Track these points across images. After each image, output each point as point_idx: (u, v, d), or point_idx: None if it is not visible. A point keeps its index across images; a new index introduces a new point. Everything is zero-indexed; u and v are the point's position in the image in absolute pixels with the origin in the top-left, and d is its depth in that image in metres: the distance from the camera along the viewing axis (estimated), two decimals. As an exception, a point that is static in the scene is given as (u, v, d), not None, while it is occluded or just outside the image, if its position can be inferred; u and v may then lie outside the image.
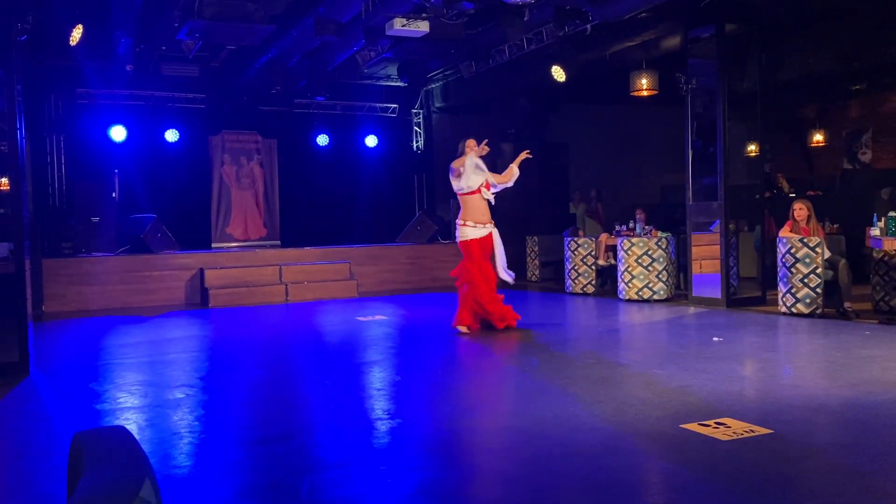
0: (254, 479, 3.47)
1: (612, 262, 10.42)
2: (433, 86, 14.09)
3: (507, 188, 7.62)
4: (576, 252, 10.68)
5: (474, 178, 7.26)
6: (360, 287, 11.47)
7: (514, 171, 7.57)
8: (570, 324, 8.69)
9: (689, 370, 5.41)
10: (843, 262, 7.80)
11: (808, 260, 7.69)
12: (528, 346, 6.63)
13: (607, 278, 10.74)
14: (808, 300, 7.73)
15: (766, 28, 9.45)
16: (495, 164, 13.39)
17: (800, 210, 7.98)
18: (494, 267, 7.44)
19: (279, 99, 12.79)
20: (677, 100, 9.55)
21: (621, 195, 14.11)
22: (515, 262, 13.17)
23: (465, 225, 7.33)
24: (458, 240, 7.43)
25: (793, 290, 7.82)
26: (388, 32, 8.92)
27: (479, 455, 3.89)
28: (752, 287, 9.41)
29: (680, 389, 4.82)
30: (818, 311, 7.69)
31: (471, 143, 7.31)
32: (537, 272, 12.73)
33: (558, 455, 3.62)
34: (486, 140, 7.33)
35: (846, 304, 7.68)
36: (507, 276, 7.51)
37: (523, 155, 7.53)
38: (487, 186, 7.41)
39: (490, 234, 7.39)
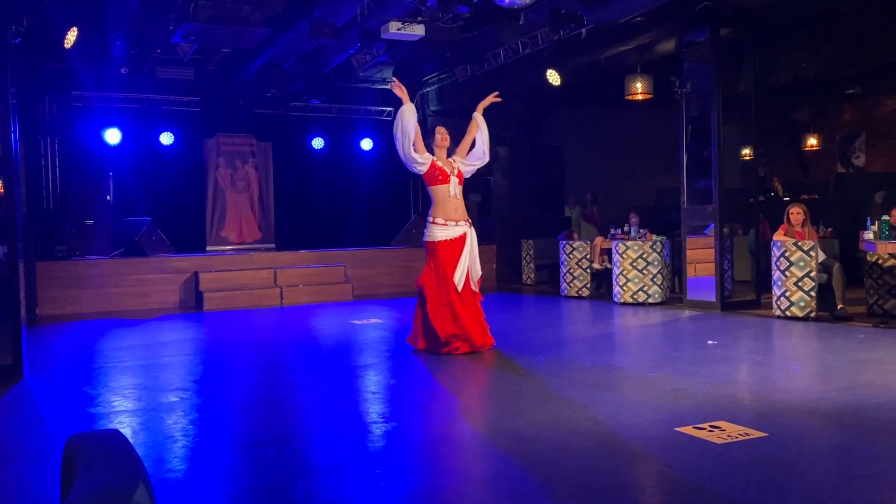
0: (248, 483, 3.46)
1: (607, 265, 10.43)
2: (428, 89, 14.09)
3: (482, 166, 6.85)
4: (571, 255, 10.69)
5: (423, 158, 6.42)
6: (355, 290, 11.45)
7: (477, 122, 6.76)
8: (565, 327, 8.69)
9: (684, 373, 5.42)
10: (836, 265, 7.82)
11: (802, 263, 7.71)
12: (524, 349, 6.63)
13: (602, 282, 10.76)
14: (802, 303, 7.75)
15: (760, 32, 9.49)
16: (491, 166, 13.43)
17: (797, 214, 8.00)
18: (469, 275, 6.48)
19: (274, 102, 12.80)
20: (672, 103, 9.57)
21: (616, 198, 14.14)
22: (511, 265, 13.27)
23: (433, 222, 6.45)
24: (423, 239, 6.54)
25: (787, 294, 7.84)
26: (384, 36, 8.93)
27: (473, 458, 3.88)
28: (746, 290, 9.43)
29: (675, 392, 4.82)
30: (812, 315, 7.71)
31: (441, 129, 6.71)
32: (532, 275, 12.74)
33: (554, 458, 3.62)
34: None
35: (840, 308, 7.71)
36: (474, 286, 6.54)
37: (491, 98, 6.76)
38: (460, 176, 6.57)
39: (463, 235, 6.48)
